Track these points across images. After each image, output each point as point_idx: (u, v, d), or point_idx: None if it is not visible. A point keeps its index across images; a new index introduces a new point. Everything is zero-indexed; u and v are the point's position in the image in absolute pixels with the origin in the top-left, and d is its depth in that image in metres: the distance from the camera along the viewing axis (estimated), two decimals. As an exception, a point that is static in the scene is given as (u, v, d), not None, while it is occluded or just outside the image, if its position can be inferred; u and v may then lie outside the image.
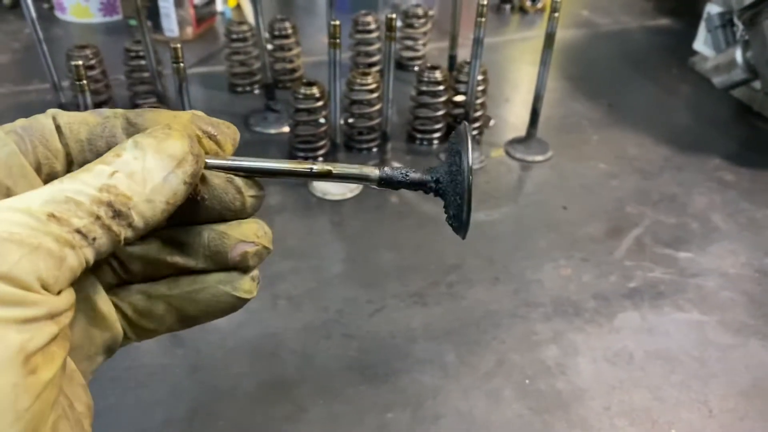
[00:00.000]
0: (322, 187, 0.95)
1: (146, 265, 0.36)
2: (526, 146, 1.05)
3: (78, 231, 0.27)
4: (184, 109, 0.79)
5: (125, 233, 0.29)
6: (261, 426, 0.63)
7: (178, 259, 0.35)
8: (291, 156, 1.02)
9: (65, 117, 0.33)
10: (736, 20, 1.11)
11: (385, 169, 0.38)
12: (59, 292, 0.26)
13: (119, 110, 0.33)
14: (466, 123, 0.38)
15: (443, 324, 0.75)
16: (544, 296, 0.79)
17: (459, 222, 0.38)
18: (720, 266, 0.85)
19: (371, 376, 0.68)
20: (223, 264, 0.35)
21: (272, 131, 1.09)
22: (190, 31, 1.39)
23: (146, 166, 0.30)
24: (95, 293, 0.34)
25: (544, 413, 0.65)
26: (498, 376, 0.69)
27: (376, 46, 1.23)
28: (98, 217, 0.28)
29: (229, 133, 0.35)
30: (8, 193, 0.30)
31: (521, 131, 1.09)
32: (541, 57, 0.96)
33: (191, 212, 0.34)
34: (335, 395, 0.66)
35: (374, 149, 1.05)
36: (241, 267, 0.35)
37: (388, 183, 0.38)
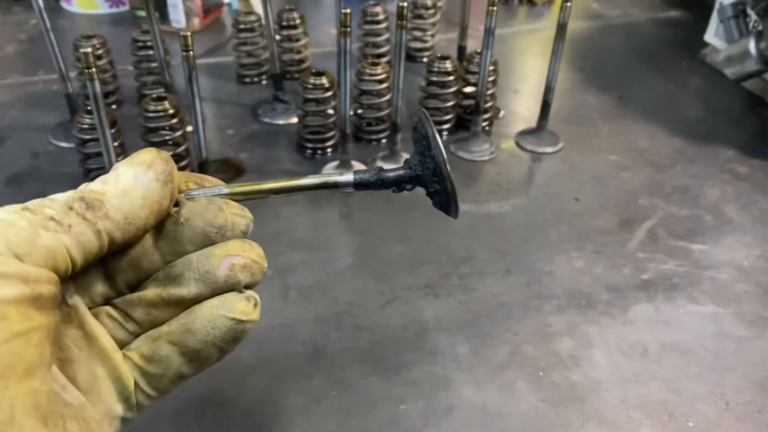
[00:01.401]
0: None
1: (148, 309, 0.35)
2: (536, 138, 1.04)
3: (51, 218, 0.28)
4: (193, 99, 0.78)
5: (103, 224, 0.30)
6: (273, 417, 0.62)
7: (173, 291, 0.34)
8: (300, 148, 1.01)
9: None
10: (749, 10, 1.10)
11: (358, 173, 0.37)
12: (35, 265, 0.28)
13: None
14: (423, 110, 0.38)
15: (455, 316, 0.74)
16: (556, 288, 0.78)
17: (446, 202, 0.37)
18: (734, 258, 0.84)
19: (383, 368, 0.68)
20: (214, 285, 0.34)
21: (281, 122, 1.08)
22: (197, 22, 1.38)
23: (118, 171, 0.32)
24: (99, 333, 0.34)
25: (559, 405, 0.64)
26: (511, 368, 0.68)
27: (385, 36, 1.22)
28: (71, 208, 0.29)
29: (213, 182, 0.37)
30: None
31: (531, 123, 1.08)
32: (553, 47, 0.95)
33: (180, 239, 0.34)
34: (347, 387, 0.66)
35: (383, 140, 1.04)
36: (232, 284, 0.34)
37: (363, 186, 0.37)
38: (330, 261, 0.82)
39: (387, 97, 1.00)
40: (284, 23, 1.15)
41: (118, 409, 0.34)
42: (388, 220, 0.89)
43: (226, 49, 1.30)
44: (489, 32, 0.90)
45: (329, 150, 1.01)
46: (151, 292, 0.35)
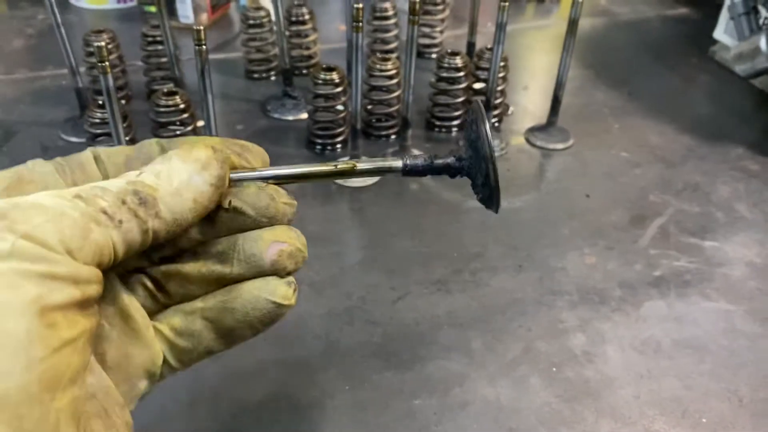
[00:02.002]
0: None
1: (183, 282, 0.35)
2: (547, 134, 1.04)
3: (104, 211, 0.27)
4: (205, 93, 0.78)
5: (153, 223, 0.29)
6: (287, 412, 0.62)
7: (214, 268, 0.34)
8: (309, 144, 1.01)
9: (103, 150, 0.34)
10: (760, 7, 1.10)
11: (408, 158, 0.37)
12: (85, 263, 0.26)
13: (154, 139, 0.35)
14: (479, 99, 0.38)
15: (468, 311, 0.74)
16: (569, 284, 0.78)
17: (489, 196, 0.38)
18: (746, 255, 0.84)
19: (396, 363, 0.68)
20: (258, 268, 0.35)
21: (290, 118, 1.08)
22: (205, 17, 1.37)
23: (172, 166, 0.31)
24: (133, 310, 0.34)
25: (572, 401, 0.64)
26: (525, 364, 0.68)
27: (394, 32, 1.22)
28: (124, 202, 0.28)
29: (258, 152, 0.36)
30: None
31: (540, 119, 1.08)
32: (564, 44, 0.95)
33: (228, 224, 0.34)
34: (361, 382, 0.66)
35: (393, 136, 1.04)
36: (277, 269, 0.35)
37: (412, 172, 0.38)
38: (342, 255, 0.82)
39: (397, 93, 1.00)
40: (293, 19, 1.15)
41: (142, 385, 0.34)
42: (400, 214, 0.89)
43: (235, 45, 1.30)
44: (500, 28, 0.90)
45: (339, 146, 1.01)
46: (189, 266, 0.35)
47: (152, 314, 0.35)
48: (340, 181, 0.93)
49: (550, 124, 1.04)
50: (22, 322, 0.23)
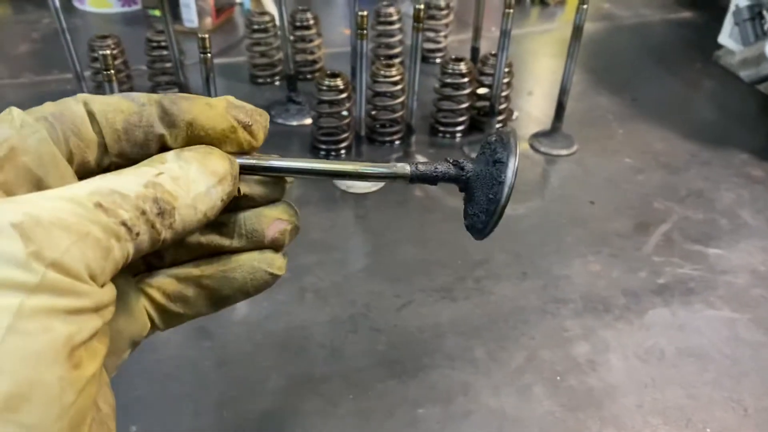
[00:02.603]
0: (346, 181, 0.94)
1: (178, 248, 0.35)
2: (550, 140, 1.04)
3: (124, 223, 0.26)
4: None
5: (165, 234, 0.28)
6: (291, 420, 0.63)
7: (214, 239, 0.35)
8: (313, 149, 1.01)
9: (98, 104, 0.31)
10: (765, 13, 1.10)
11: (417, 165, 0.37)
12: (103, 285, 0.25)
13: (152, 96, 0.33)
14: (515, 131, 0.38)
15: (472, 319, 0.74)
16: (573, 292, 0.78)
17: (481, 228, 0.38)
18: (750, 263, 0.84)
19: (400, 371, 0.68)
20: (258, 242, 0.36)
21: (294, 123, 1.08)
22: (209, 21, 1.38)
23: (190, 175, 0.30)
24: (124, 283, 0.34)
25: (576, 410, 0.64)
26: (528, 373, 0.68)
27: (398, 38, 1.22)
28: (144, 212, 0.27)
29: (261, 121, 0.35)
30: (39, 185, 0.29)
31: (544, 125, 1.08)
32: (568, 50, 0.95)
33: (231, 203, 0.34)
34: (365, 390, 0.66)
35: (397, 142, 1.04)
36: (276, 245, 0.36)
37: (419, 179, 0.38)
38: (346, 263, 0.82)
39: (401, 99, 1.00)
40: (298, 24, 1.15)
41: (126, 354, 0.34)
42: (403, 222, 0.89)
43: (239, 49, 1.30)
44: (505, 34, 0.90)
45: (343, 151, 1.01)
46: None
47: (138, 274, 0.35)
48: (344, 187, 0.93)
49: (554, 130, 1.04)
50: (55, 371, 0.22)
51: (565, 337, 0.72)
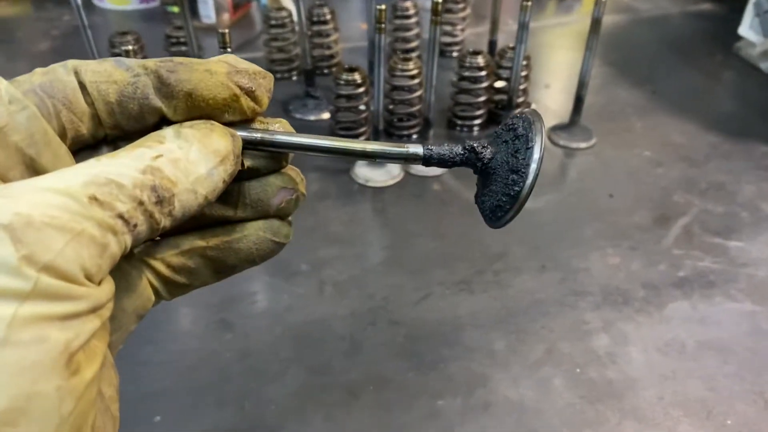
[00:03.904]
0: (363, 174, 0.95)
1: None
2: (569, 133, 1.04)
3: (121, 216, 0.25)
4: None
5: (164, 222, 0.27)
6: (312, 411, 0.63)
7: (218, 210, 0.34)
8: (331, 142, 1.01)
9: (89, 74, 0.29)
10: (786, 4, 1.08)
11: (430, 147, 0.35)
12: (100, 282, 0.24)
13: (148, 64, 0.30)
14: (538, 112, 0.35)
15: (491, 312, 0.74)
16: (592, 285, 0.78)
17: (499, 216, 0.35)
18: (772, 256, 0.83)
19: (420, 364, 0.68)
20: (263, 212, 0.34)
21: (312, 118, 1.09)
22: (226, 17, 1.39)
23: (190, 157, 0.28)
24: (125, 260, 0.32)
25: (596, 402, 0.64)
26: (548, 365, 0.68)
27: (415, 31, 1.22)
28: (141, 203, 0.26)
29: (265, 84, 0.33)
30: (32, 165, 0.27)
31: (562, 118, 1.07)
32: (587, 42, 0.95)
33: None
34: (385, 382, 0.66)
35: (414, 136, 1.04)
36: (282, 214, 0.35)
37: (432, 162, 0.35)
38: (364, 256, 0.82)
39: (418, 93, 1.00)
40: (315, 19, 1.15)
41: (132, 328, 0.33)
42: (421, 215, 0.89)
43: (256, 45, 1.31)
44: (523, 27, 0.89)
45: (361, 145, 1.01)
46: None
47: (140, 245, 0.34)
48: (362, 181, 0.94)
49: (572, 123, 1.04)
50: (52, 381, 0.21)
51: (585, 329, 0.72)
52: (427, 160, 0.35)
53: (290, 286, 0.77)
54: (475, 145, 0.35)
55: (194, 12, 1.36)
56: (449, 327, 0.72)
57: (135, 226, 0.25)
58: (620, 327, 0.72)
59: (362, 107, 0.98)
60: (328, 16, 1.16)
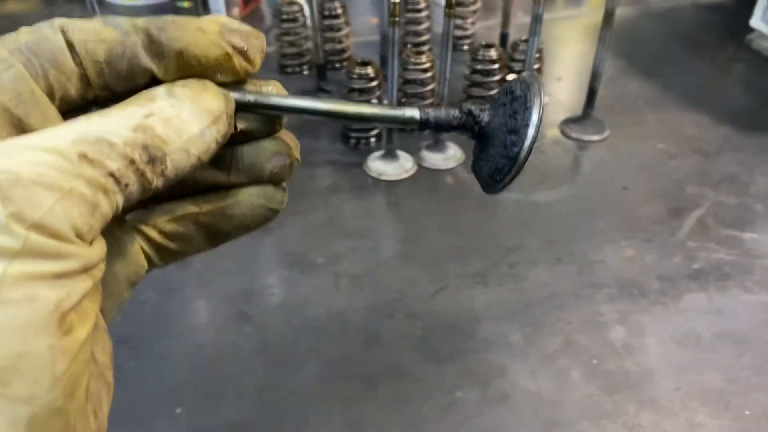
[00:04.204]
0: (377, 168, 0.95)
1: (173, 185, 0.33)
2: (582, 126, 1.04)
3: (111, 175, 0.24)
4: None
5: (156, 182, 0.26)
6: (331, 403, 0.64)
7: (210, 175, 0.33)
8: (344, 138, 1.02)
9: (77, 32, 0.29)
10: (800, -5, 1.08)
11: (427, 110, 0.35)
12: (91, 242, 0.24)
13: (138, 23, 0.29)
14: (535, 72, 0.34)
15: (506, 304, 0.74)
16: (607, 277, 0.78)
17: (497, 180, 0.33)
18: (787, 248, 0.83)
19: (437, 356, 0.68)
20: (257, 177, 0.34)
21: (324, 112, 1.09)
22: (236, 11, 1.39)
23: (183, 116, 0.27)
24: (117, 226, 0.32)
25: (613, 393, 0.65)
26: (565, 357, 0.68)
27: (425, 25, 1.22)
28: (132, 161, 0.25)
29: (257, 44, 0.32)
30: (20, 125, 0.27)
31: (574, 110, 1.07)
32: (600, 35, 0.95)
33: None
34: (403, 374, 0.67)
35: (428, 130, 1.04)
36: (275, 180, 0.34)
37: (428, 126, 0.35)
38: (379, 249, 0.83)
39: (431, 87, 1.00)
40: (326, 13, 1.15)
41: (126, 295, 0.33)
42: (435, 208, 0.89)
43: (267, 39, 1.31)
44: (536, 19, 0.89)
45: (373, 139, 1.01)
46: None
47: (131, 211, 0.33)
48: (375, 175, 0.94)
49: (585, 116, 1.04)
50: (44, 340, 0.21)
51: (601, 321, 0.72)
52: (423, 124, 0.34)
53: (306, 279, 0.77)
54: (472, 108, 0.34)
55: (205, 6, 1.36)
56: (465, 319, 0.73)
57: (126, 185, 0.25)
58: (636, 319, 0.73)
59: (374, 101, 0.98)
60: (340, 10, 1.16)
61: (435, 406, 0.63)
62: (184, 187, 0.33)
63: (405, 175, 0.94)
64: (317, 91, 1.11)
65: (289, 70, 1.20)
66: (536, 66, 1.01)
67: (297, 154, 0.34)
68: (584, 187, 0.94)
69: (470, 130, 0.34)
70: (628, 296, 0.75)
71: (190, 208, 0.33)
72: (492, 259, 0.80)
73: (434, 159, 0.97)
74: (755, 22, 1.26)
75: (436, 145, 0.98)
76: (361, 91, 0.97)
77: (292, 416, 0.63)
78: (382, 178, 0.94)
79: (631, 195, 0.92)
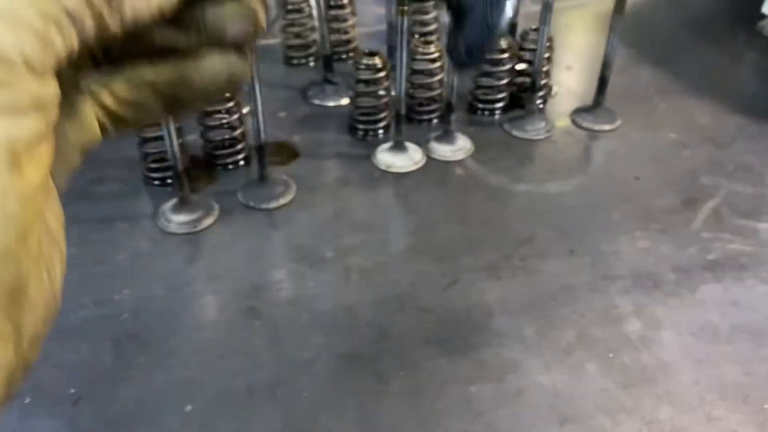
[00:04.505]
0: (385, 160, 0.94)
1: (126, 43, 0.32)
2: (593, 115, 1.02)
3: (66, 11, 0.22)
4: (253, 82, 0.78)
5: (114, 26, 0.25)
6: (343, 398, 0.63)
7: (169, 35, 0.31)
8: (351, 129, 1.00)
9: None
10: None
11: None
12: (47, 83, 0.22)
13: None
14: None
15: (519, 297, 0.73)
16: (622, 269, 0.77)
17: (474, 53, 0.34)
18: (803, 237, 0.82)
19: (450, 350, 0.68)
20: (216, 41, 0.32)
21: (331, 104, 1.07)
22: (241, 3, 1.37)
23: None
24: (69, 84, 0.29)
25: (630, 387, 0.64)
26: (579, 350, 0.67)
27: (433, 14, 1.21)
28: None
29: None
30: None
31: (585, 99, 1.06)
32: (611, 23, 0.93)
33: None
34: (415, 368, 0.66)
35: (435, 120, 1.03)
36: (239, 45, 0.32)
37: None
38: (389, 242, 0.82)
39: (439, 77, 0.99)
40: (332, 3, 1.14)
41: (76, 162, 0.31)
42: (445, 200, 0.88)
43: (272, 31, 1.29)
44: (547, 8, 0.88)
45: (381, 131, 1.00)
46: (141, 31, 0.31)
47: (83, 71, 0.33)
48: (383, 167, 0.93)
49: (596, 105, 1.02)
50: None
51: (616, 314, 0.71)
52: None
53: (316, 273, 0.76)
54: None
55: (209, -1, 1.35)
56: (478, 313, 0.72)
57: (83, 24, 0.23)
58: (652, 311, 0.71)
59: (382, 92, 0.97)
60: (345, 1, 1.14)
61: (449, 400, 0.63)
62: (142, 47, 0.30)
63: (414, 167, 0.93)
64: (324, 83, 1.09)
65: (294, 62, 1.18)
66: (546, 55, 1.00)
67: (262, 20, 0.32)
68: (596, 177, 0.92)
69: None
70: (643, 288, 0.74)
71: (147, 73, 0.31)
72: (504, 251, 0.79)
73: (443, 150, 0.95)
74: (767, 8, 1.24)
75: (445, 137, 0.97)
76: (369, 81, 0.96)
77: (306, 413, 0.62)
78: (391, 170, 0.93)
79: (643, 185, 0.90)
